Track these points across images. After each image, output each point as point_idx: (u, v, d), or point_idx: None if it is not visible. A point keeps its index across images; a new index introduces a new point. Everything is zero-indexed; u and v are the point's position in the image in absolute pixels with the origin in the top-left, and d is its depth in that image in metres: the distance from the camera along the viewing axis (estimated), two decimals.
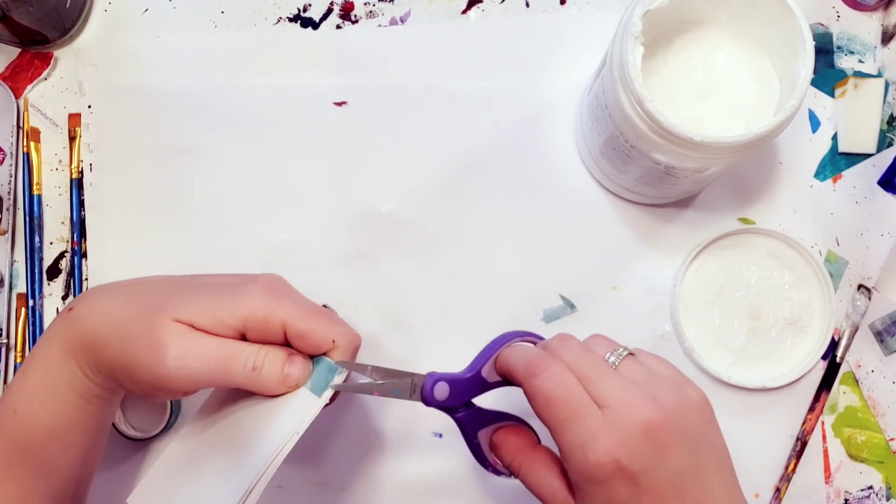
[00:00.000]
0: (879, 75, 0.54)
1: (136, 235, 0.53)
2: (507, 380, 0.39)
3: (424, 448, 0.51)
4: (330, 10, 0.55)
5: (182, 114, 0.54)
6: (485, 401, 0.40)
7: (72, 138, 0.54)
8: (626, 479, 0.33)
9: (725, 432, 0.51)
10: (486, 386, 0.40)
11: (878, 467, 0.52)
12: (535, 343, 0.40)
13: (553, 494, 0.36)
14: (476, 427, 0.40)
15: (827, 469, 0.52)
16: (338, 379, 0.38)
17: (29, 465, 0.37)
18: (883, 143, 0.54)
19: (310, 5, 0.55)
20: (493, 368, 0.39)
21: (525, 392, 0.36)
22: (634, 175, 0.48)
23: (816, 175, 0.54)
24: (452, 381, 0.39)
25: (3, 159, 0.54)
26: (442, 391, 0.39)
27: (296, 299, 0.38)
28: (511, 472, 0.40)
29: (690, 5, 0.45)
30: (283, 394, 0.37)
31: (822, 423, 0.52)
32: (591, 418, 0.33)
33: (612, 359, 0.36)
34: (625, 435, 0.33)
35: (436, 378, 0.39)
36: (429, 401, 0.39)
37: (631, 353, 0.37)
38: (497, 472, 0.41)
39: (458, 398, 0.39)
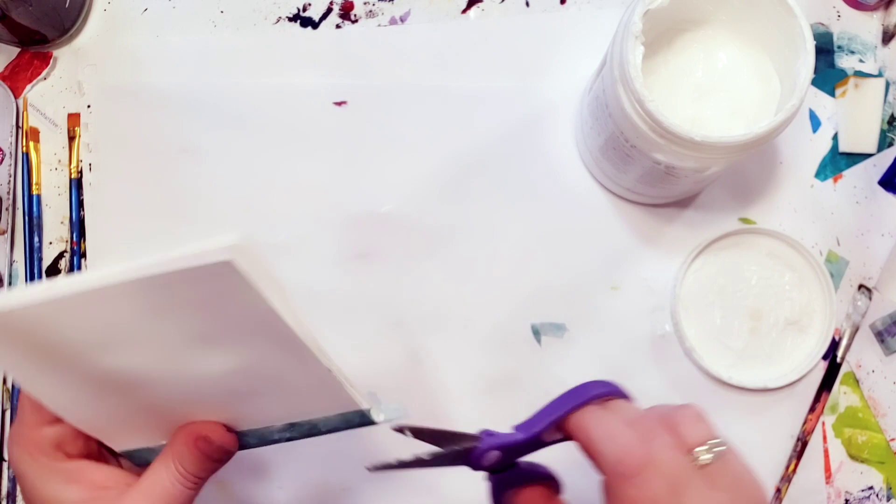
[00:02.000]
0: (880, 75, 0.54)
1: (136, 235, 0.53)
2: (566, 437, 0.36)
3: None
4: (329, 10, 0.55)
5: (182, 113, 0.54)
6: None
7: (71, 138, 0.54)
8: None
9: (726, 433, 0.51)
10: (541, 445, 0.36)
11: (878, 468, 0.52)
12: (613, 397, 0.36)
13: None
14: (506, 487, 0.37)
15: (827, 469, 0.52)
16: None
17: None
18: (883, 143, 0.54)
19: (309, 5, 0.55)
20: (554, 429, 0.35)
21: (608, 487, 0.33)
22: (635, 175, 0.48)
23: (817, 175, 0.54)
24: (507, 446, 0.35)
25: (3, 159, 0.54)
26: (491, 457, 0.36)
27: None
28: None
29: (691, 5, 0.45)
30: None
31: (823, 423, 0.52)
32: None
33: (705, 455, 0.32)
34: None
35: (489, 445, 0.35)
36: (475, 466, 0.36)
37: (727, 449, 0.33)
38: None
39: (506, 461, 0.36)
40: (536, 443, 0.36)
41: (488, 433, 0.36)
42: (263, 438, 0.36)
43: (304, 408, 0.35)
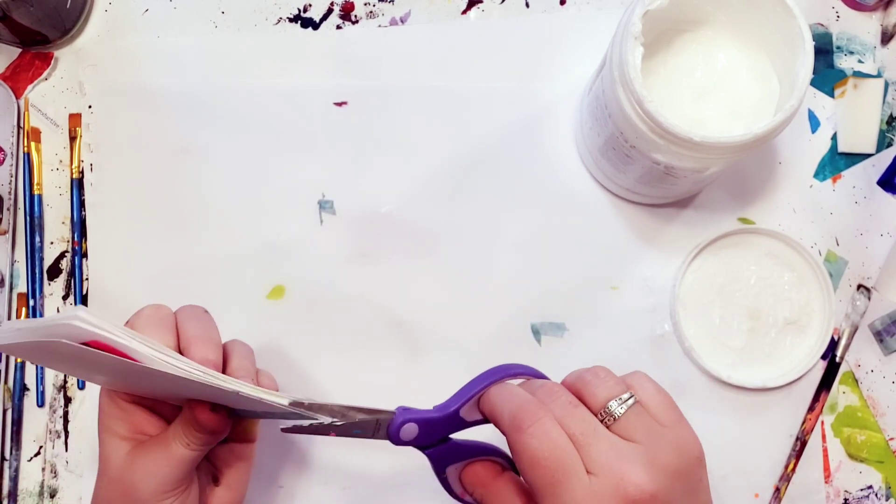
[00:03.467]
0: (879, 75, 0.54)
1: (137, 235, 0.54)
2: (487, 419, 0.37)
3: None
4: (330, 11, 0.55)
5: (182, 114, 0.54)
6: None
7: (72, 138, 0.54)
8: None
9: (725, 432, 0.52)
10: (463, 424, 0.37)
11: (877, 467, 0.52)
12: (528, 377, 0.37)
13: None
14: (447, 463, 0.38)
15: (826, 469, 0.52)
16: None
17: None
18: (882, 143, 0.54)
19: (310, 5, 0.55)
20: (474, 407, 0.36)
21: (509, 445, 0.33)
22: (634, 175, 0.48)
23: (816, 175, 0.54)
24: (423, 421, 0.36)
25: (4, 159, 0.54)
26: (410, 432, 0.36)
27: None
28: None
29: (690, 5, 0.45)
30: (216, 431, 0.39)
31: (822, 422, 0.52)
32: (578, 486, 0.31)
33: (615, 406, 0.33)
34: None
35: (405, 419, 0.36)
36: (395, 440, 0.37)
37: (637, 402, 0.34)
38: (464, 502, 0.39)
39: (428, 438, 0.37)
40: (457, 421, 0.37)
41: (404, 409, 0.36)
42: (248, 414, 0.40)
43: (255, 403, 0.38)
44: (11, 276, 0.54)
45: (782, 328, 0.51)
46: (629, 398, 0.34)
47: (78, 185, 0.54)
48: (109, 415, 0.40)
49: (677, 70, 0.47)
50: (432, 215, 0.53)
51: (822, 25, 0.55)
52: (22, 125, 0.55)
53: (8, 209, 0.54)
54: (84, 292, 0.53)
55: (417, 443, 0.37)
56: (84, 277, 0.54)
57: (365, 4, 0.55)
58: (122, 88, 0.55)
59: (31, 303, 0.53)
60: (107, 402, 0.40)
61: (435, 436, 0.37)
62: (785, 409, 0.52)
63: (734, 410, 0.52)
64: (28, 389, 0.53)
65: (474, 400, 0.36)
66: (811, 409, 0.52)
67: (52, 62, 0.55)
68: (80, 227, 0.54)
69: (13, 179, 0.54)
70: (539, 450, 0.32)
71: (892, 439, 0.52)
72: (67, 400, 0.53)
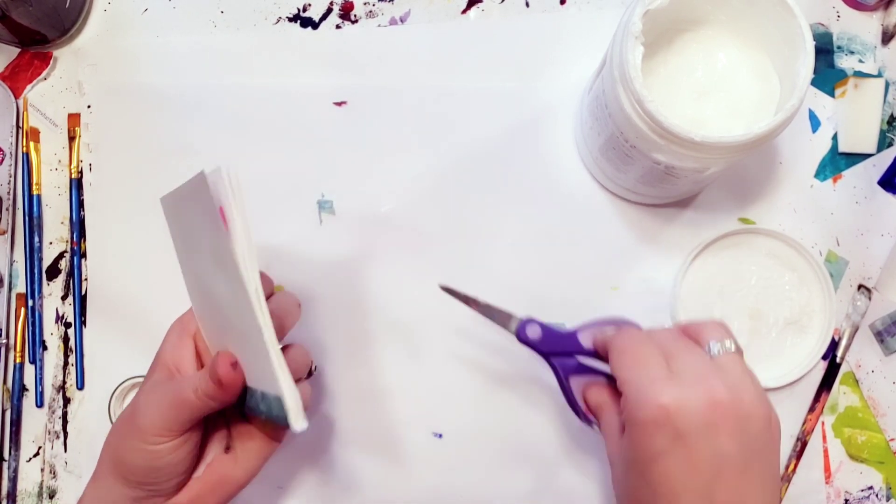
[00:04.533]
0: (879, 75, 0.54)
1: (136, 235, 0.53)
2: (597, 356, 0.42)
3: (424, 448, 0.51)
4: (329, 10, 0.55)
5: (181, 114, 0.54)
6: None
7: (71, 138, 0.54)
8: (670, 431, 0.33)
9: None
10: (579, 347, 0.43)
11: (878, 467, 0.52)
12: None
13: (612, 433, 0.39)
14: (569, 372, 0.43)
15: (827, 469, 0.52)
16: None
17: None
18: (883, 143, 0.54)
19: (309, 5, 0.55)
20: (591, 337, 0.43)
21: (609, 353, 0.38)
22: (635, 175, 0.48)
23: (816, 175, 0.54)
24: (545, 326, 0.44)
25: (3, 159, 0.54)
26: (534, 332, 0.44)
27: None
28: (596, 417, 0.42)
29: (690, 5, 0.45)
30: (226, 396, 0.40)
31: (823, 423, 0.52)
32: (656, 368, 0.35)
33: (713, 346, 0.36)
34: (685, 396, 0.33)
35: (529, 319, 0.44)
36: (521, 337, 0.44)
37: (739, 351, 0.36)
38: (588, 422, 0.43)
39: (549, 346, 0.43)
40: (574, 342, 0.43)
41: (530, 317, 0.44)
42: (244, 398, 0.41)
43: (262, 375, 0.39)
44: (10, 276, 0.54)
45: (783, 328, 0.51)
46: (731, 344, 0.36)
47: (77, 185, 0.54)
48: (168, 342, 0.43)
49: (677, 70, 0.47)
50: (432, 215, 0.53)
51: (822, 25, 0.55)
52: (21, 125, 0.54)
53: (7, 209, 0.53)
54: (83, 292, 0.53)
55: (539, 347, 0.44)
56: (83, 277, 0.54)
57: (365, 4, 0.55)
58: (121, 88, 0.55)
59: (30, 303, 0.53)
60: (174, 332, 0.43)
61: (555, 346, 0.44)
62: (785, 409, 0.52)
63: None
64: (27, 390, 0.53)
65: (592, 332, 0.43)
66: (812, 409, 0.52)
67: (52, 62, 0.55)
68: (78, 227, 0.54)
69: (12, 179, 0.54)
70: (627, 341, 0.37)
71: (892, 440, 0.52)
72: (66, 401, 0.53)
